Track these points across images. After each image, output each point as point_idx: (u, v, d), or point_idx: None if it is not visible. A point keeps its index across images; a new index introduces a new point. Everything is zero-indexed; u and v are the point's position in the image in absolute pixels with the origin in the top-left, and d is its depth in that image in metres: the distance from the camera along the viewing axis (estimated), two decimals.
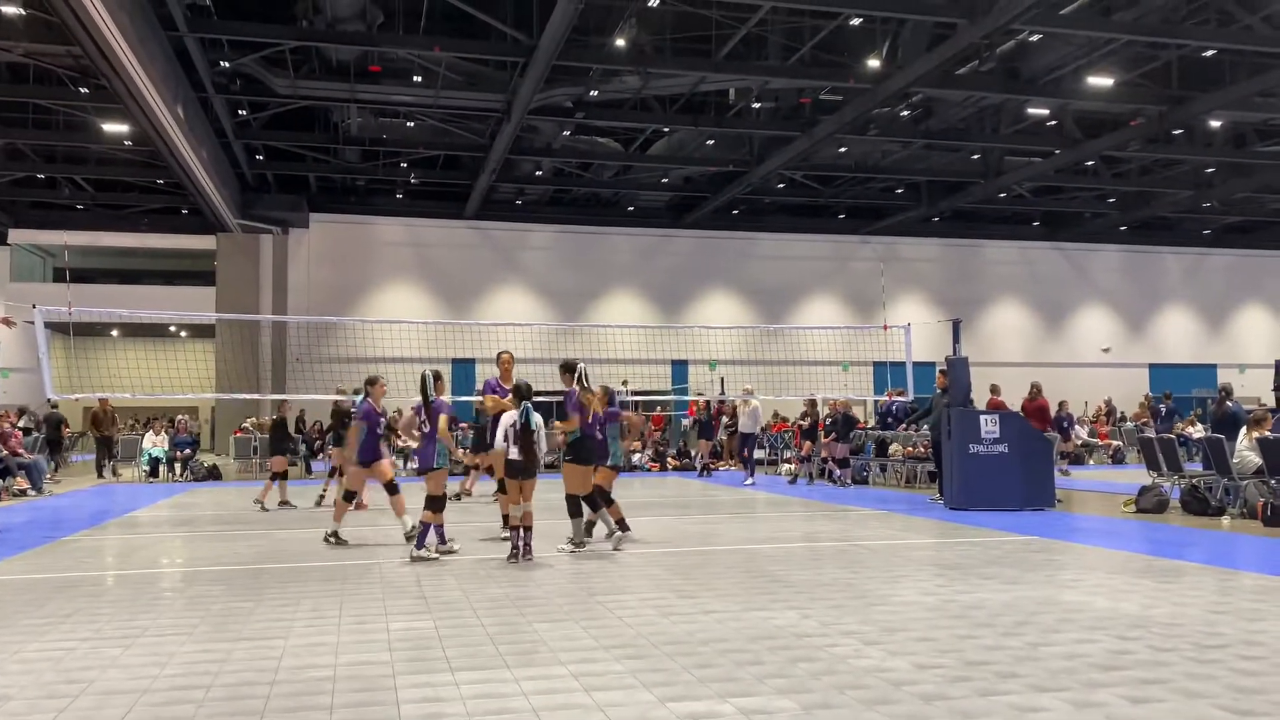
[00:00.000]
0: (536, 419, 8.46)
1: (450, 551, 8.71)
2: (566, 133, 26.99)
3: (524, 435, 8.42)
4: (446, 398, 9.20)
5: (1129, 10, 19.51)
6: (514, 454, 8.39)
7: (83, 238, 32.21)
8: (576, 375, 9.04)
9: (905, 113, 25.70)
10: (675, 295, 34.39)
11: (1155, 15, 19.57)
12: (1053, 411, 20.52)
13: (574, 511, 9.01)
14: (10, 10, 18.26)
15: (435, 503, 8.59)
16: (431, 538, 8.65)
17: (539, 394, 8.80)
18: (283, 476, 14.18)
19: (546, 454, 8.91)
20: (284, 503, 13.85)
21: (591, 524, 9.39)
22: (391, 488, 9.99)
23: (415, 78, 22.79)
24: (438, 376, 8.94)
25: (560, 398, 9.33)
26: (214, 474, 20.05)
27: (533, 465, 8.46)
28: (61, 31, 16.73)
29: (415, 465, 9.09)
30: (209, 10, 19.19)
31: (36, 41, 19.29)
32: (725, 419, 22.86)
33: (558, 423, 9.01)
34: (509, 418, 8.53)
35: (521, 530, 8.40)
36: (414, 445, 9.52)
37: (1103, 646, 5.17)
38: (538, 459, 8.46)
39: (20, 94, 23.09)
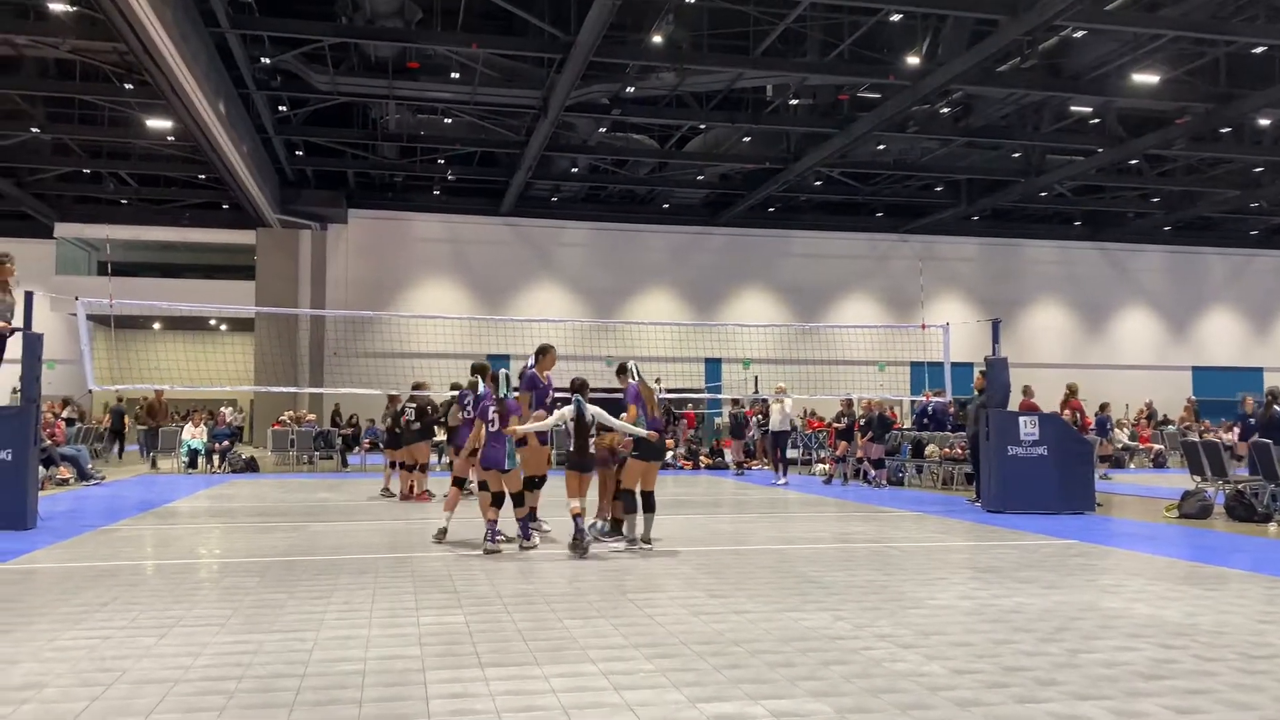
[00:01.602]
0: (591, 411, 8.62)
1: (496, 551, 8.60)
2: (602, 129, 26.98)
3: (578, 429, 8.54)
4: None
5: (1176, 6, 19.14)
6: (572, 448, 8.64)
7: (125, 232, 32.77)
8: (629, 371, 9.21)
9: (945, 110, 25.41)
10: (709, 293, 34.29)
11: (1203, 11, 19.18)
12: (1092, 414, 20.24)
13: (629, 507, 8.92)
14: (58, 8, 18.55)
15: (518, 497, 8.71)
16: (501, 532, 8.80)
17: (561, 390, 9.02)
18: (422, 469, 14.22)
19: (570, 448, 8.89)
20: (386, 490, 14.35)
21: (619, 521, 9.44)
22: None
23: (453, 74, 22.88)
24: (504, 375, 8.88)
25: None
26: (251, 466, 20.26)
27: (589, 459, 8.65)
28: (107, 28, 16.97)
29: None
30: (251, 7, 19.39)
31: (83, 38, 19.59)
32: (758, 418, 22.73)
33: (623, 415, 8.94)
34: (567, 412, 8.65)
35: (579, 518, 8.56)
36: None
37: (1145, 655, 5.05)
38: (592, 452, 8.63)
39: (67, 90, 23.47)
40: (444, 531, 9.43)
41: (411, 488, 14.04)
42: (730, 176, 31.59)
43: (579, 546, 8.38)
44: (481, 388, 9.35)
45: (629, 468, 8.92)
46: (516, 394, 9.21)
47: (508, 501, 8.74)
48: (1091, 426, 17.71)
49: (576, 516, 8.52)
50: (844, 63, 21.69)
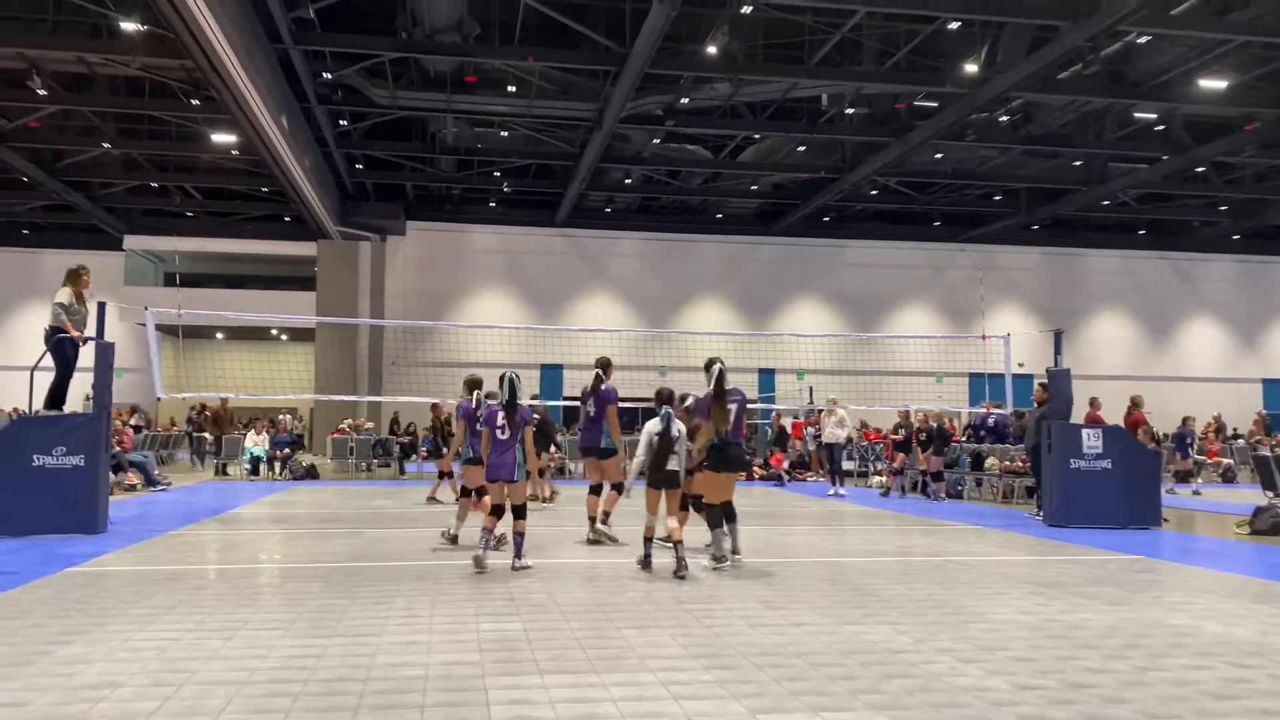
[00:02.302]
0: (678, 426, 8.12)
1: (482, 569, 7.93)
2: (656, 140, 27.05)
3: (662, 443, 8.04)
4: (525, 402, 8.72)
5: (1245, 10, 18.69)
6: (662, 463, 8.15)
7: (191, 244, 33.61)
8: (714, 376, 8.41)
9: (1004, 118, 25.07)
10: (763, 303, 34.16)
11: (1274, 15, 18.68)
12: (1174, 427, 19.78)
13: (713, 522, 8.45)
14: (129, 27, 19.13)
15: (520, 510, 8.24)
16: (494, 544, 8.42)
17: (626, 400, 8.82)
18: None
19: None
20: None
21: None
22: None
23: (510, 87, 23.13)
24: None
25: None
26: (312, 473, 20.61)
27: (674, 475, 8.11)
28: (176, 46, 17.46)
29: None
30: (313, 23, 19.79)
31: (153, 56, 20.16)
32: (813, 429, 22.57)
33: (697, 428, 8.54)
34: (652, 426, 8.11)
35: (648, 541, 8.18)
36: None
37: (1217, 674, 4.92)
38: (678, 468, 8.10)
39: (137, 106, 24.16)
40: (454, 538, 9.72)
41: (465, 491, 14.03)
42: (784, 186, 31.47)
43: (647, 565, 8.09)
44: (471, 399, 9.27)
45: (703, 481, 8.48)
46: (534, 405, 9.07)
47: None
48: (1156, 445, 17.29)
49: (648, 539, 8.17)
50: (900, 71, 21.52)
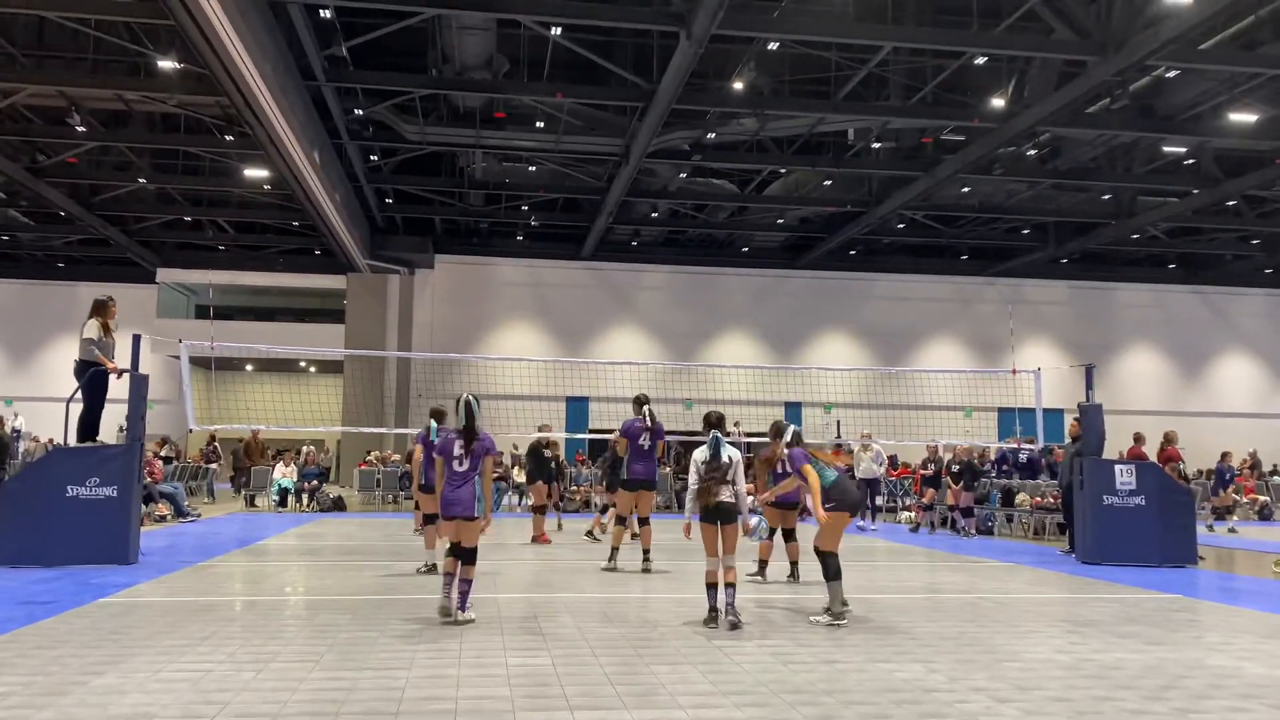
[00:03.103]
0: (730, 452, 7.24)
1: (451, 616, 7.13)
2: (683, 175, 27.20)
3: (711, 470, 7.16)
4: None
5: (1275, 44, 18.61)
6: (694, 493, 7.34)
7: (222, 277, 34.04)
8: (787, 439, 8.13)
9: (1032, 152, 25.02)
10: (789, 336, 34.09)
11: None
12: (1206, 464, 19.50)
13: (833, 572, 7.49)
14: (166, 65, 19.54)
15: (471, 554, 7.26)
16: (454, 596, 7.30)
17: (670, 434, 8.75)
18: (540, 510, 14.15)
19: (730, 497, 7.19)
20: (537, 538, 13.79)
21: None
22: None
23: (538, 123, 23.37)
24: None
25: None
26: (339, 505, 20.68)
27: (730, 508, 7.13)
28: (212, 84, 17.80)
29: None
30: (346, 61, 20.13)
31: (189, 93, 20.56)
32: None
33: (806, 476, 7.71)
34: (699, 454, 7.33)
35: (722, 588, 7.10)
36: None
37: (1259, 717, 4.82)
38: (730, 499, 7.13)
39: (172, 142, 24.60)
40: (431, 567, 9.81)
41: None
42: (811, 220, 31.50)
43: (718, 622, 7.07)
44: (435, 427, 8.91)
45: (831, 524, 7.59)
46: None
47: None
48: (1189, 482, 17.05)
49: (710, 586, 7.20)
50: (927, 106, 21.57)
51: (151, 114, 23.43)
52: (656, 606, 8.18)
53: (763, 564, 10.01)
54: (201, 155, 26.14)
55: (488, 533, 7.46)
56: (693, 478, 7.32)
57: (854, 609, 7.68)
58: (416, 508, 15.18)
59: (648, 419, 10.93)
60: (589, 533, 14.45)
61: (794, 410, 31.56)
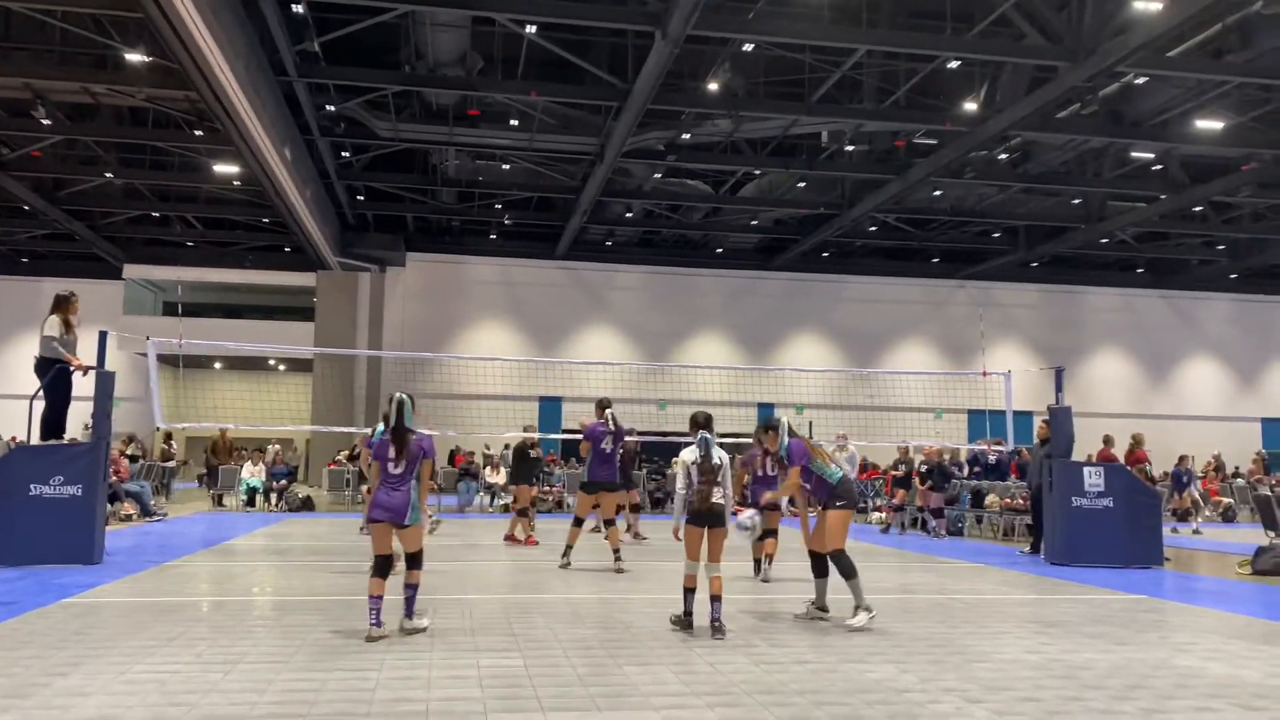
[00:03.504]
0: (720, 454, 7.04)
1: (379, 638, 6.48)
2: (657, 175, 27.20)
3: (705, 473, 6.93)
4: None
5: (1241, 52, 18.88)
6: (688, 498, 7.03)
7: (190, 273, 33.65)
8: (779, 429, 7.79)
9: (1003, 156, 25.24)
10: (763, 338, 34.20)
11: (1269, 57, 18.85)
12: (1171, 466, 19.73)
13: (847, 571, 7.37)
14: (135, 58, 19.28)
15: (415, 558, 6.85)
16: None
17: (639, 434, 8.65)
18: (524, 513, 13.95)
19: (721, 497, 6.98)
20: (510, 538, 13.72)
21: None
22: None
23: (512, 121, 23.29)
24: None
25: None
26: (308, 505, 20.49)
27: (719, 512, 6.92)
28: (181, 78, 17.58)
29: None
30: (318, 56, 19.95)
31: (157, 87, 20.30)
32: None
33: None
34: (687, 455, 7.09)
35: (708, 600, 6.85)
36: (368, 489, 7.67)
37: (1225, 717, 4.87)
38: (721, 501, 6.94)
39: (140, 137, 24.27)
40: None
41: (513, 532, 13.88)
42: (784, 222, 31.61)
43: (692, 627, 6.92)
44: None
45: (834, 521, 7.44)
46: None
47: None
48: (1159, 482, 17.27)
49: (688, 591, 7.04)
50: (900, 109, 21.69)
51: (119, 107, 23.10)
52: (629, 608, 8.16)
53: (758, 563, 10.20)
54: (170, 150, 25.81)
55: (421, 540, 6.94)
56: (682, 480, 7.07)
57: (832, 611, 7.69)
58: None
59: (610, 422, 11.11)
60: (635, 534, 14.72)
61: (767, 411, 31.63)
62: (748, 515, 7.68)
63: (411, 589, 6.77)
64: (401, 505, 6.67)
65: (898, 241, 32.87)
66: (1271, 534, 12.17)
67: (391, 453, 6.76)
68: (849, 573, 7.32)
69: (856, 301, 34.77)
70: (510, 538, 13.72)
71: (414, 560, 6.81)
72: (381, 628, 6.49)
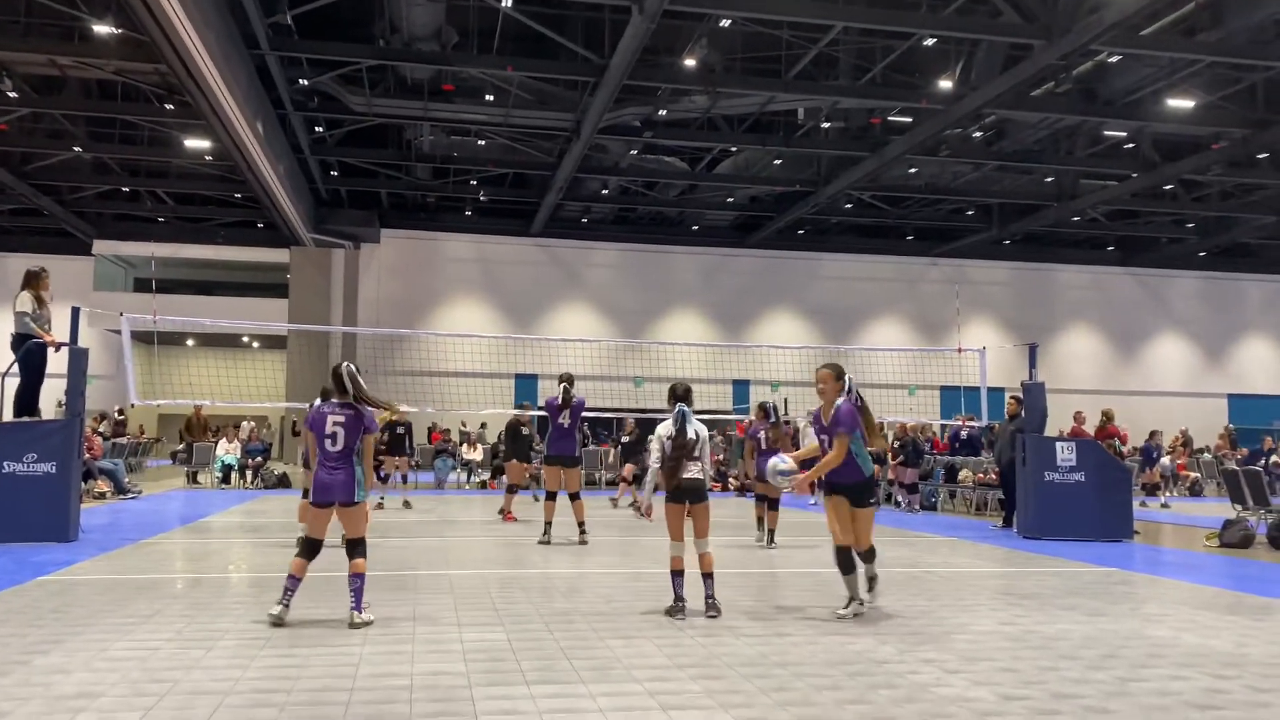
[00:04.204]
0: (697, 427, 6.78)
1: (279, 623, 6.09)
2: (634, 151, 27.12)
3: (677, 447, 6.68)
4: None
5: (1213, 31, 19.04)
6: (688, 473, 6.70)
7: (161, 249, 33.17)
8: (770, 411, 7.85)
9: (978, 134, 25.36)
10: (738, 314, 34.27)
11: (1241, 36, 19.05)
12: (1143, 441, 20.02)
13: (851, 566, 6.79)
14: (103, 30, 18.93)
15: (357, 545, 6.35)
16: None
17: (595, 410, 8.56)
18: (514, 490, 13.92)
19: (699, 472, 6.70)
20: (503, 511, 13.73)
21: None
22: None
23: (487, 96, 23.11)
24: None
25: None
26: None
27: (699, 486, 6.67)
28: (150, 50, 17.30)
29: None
30: (291, 29, 19.68)
31: (126, 60, 19.96)
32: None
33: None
34: (663, 429, 6.80)
35: (679, 576, 6.62)
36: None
37: (1197, 685, 4.98)
38: (699, 475, 6.67)
39: (109, 110, 23.89)
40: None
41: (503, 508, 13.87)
42: (760, 199, 31.63)
43: (685, 612, 6.55)
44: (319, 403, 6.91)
45: (868, 519, 6.86)
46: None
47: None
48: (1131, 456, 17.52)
49: (675, 573, 6.65)
50: (876, 87, 21.72)
51: (87, 80, 22.71)
52: (610, 582, 8.21)
53: (761, 520, 11.18)
54: (140, 124, 25.42)
55: (370, 520, 6.64)
56: (655, 455, 6.81)
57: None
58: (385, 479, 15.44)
59: (560, 396, 11.32)
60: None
61: (742, 387, 31.77)
62: (779, 459, 7.14)
63: (357, 579, 6.23)
64: (344, 483, 6.27)
65: (872, 219, 33.00)
66: (1238, 507, 12.41)
67: (331, 426, 6.31)
68: (852, 568, 6.76)
69: (831, 279, 34.89)
70: (508, 514, 13.73)
71: (356, 548, 6.29)
72: (288, 610, 6.10)
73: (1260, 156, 25.78)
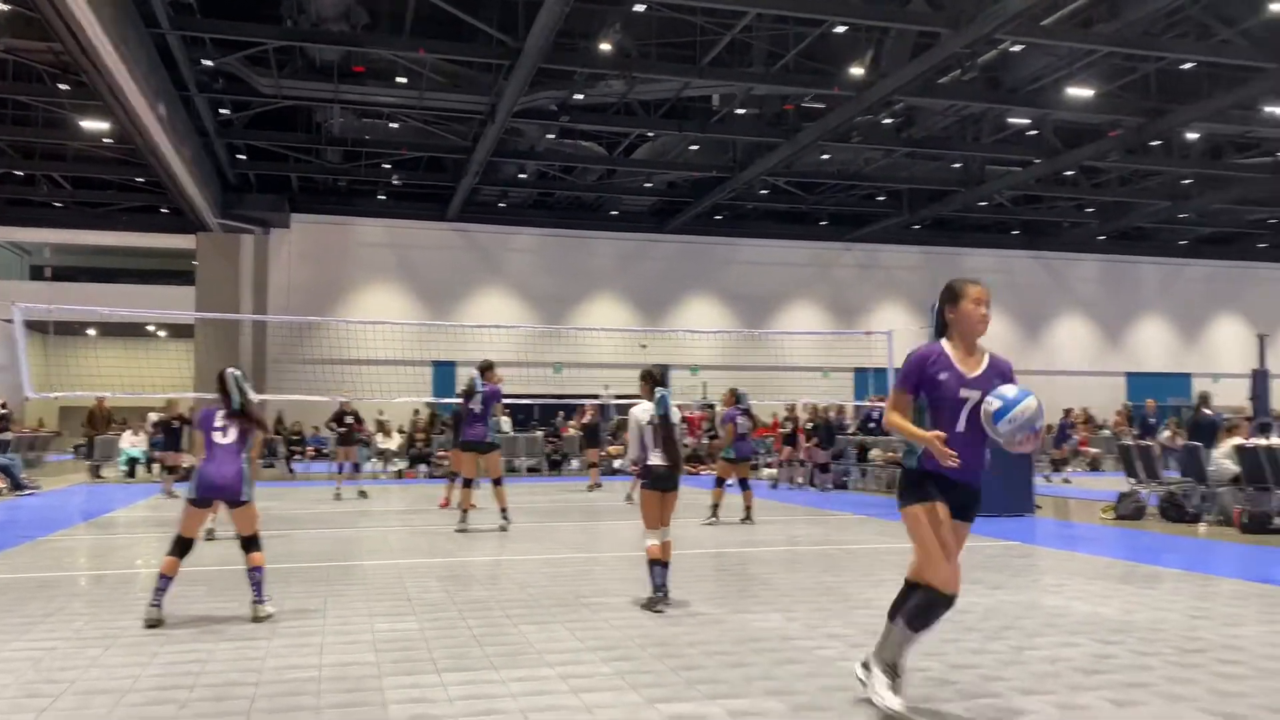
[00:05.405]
0: (677, 412, 6.73)
1: (157, 623, 5.84)
2: (550, 136, 26.97)
3: (664, 431, 6.54)
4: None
5: (1110, 22, 19.72)
6: (655, 459, 6.53)
7: (60, 236, 31.98)
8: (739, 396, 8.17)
9: (888, 121, 25.84)
10: (657, 300, 34.41)
11: (1135, 28, 19.77)
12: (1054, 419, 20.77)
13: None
14: None
15: (252, 541, 6.30)
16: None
17: (513, 397, 8.57)
18: (451, 476, 13.63)
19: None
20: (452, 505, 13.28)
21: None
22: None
23: (399, 79, 22.71)
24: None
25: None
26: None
27: (677, 472, 6.61)
28: (43, 27, 16.59)
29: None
30: (192, 8, 19.07)
31: (17, 37, 19.13)
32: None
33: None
34: (641, 414, 6.65)
35: (660, 567, 6.45)
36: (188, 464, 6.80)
37: (1085, 650, 5.21)
38: (680, 462, 6.65)
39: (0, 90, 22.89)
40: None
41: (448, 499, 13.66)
42: (678, 184, 31.76)
43: (666, 602, 6.37)
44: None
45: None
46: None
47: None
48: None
49: (654, 563, 6.46)
50: (789, 73, 21.96)
51: None
52: (527, 568, 8.22)
53: (716, 506, 11.69)
54: (33, 104, 24.38)
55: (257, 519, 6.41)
56: (634, 438, 6.64)
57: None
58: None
59: (475, 383, 11.30)
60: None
61: (662, 371, 31.92)
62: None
63: (257, 571, 6.17)
64: (235, 479, 6.15)
65: (788, 204, 33.41)
66: (1132, 481, 12.95)
67: (220, 420, 6.23)
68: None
69: (748, 264, 35.25)
70: (444, 504, 13.59)
71: (251, 543, 6.24)
72: (161, 610, 5.87)
73: (1154, 144, 26.80)
